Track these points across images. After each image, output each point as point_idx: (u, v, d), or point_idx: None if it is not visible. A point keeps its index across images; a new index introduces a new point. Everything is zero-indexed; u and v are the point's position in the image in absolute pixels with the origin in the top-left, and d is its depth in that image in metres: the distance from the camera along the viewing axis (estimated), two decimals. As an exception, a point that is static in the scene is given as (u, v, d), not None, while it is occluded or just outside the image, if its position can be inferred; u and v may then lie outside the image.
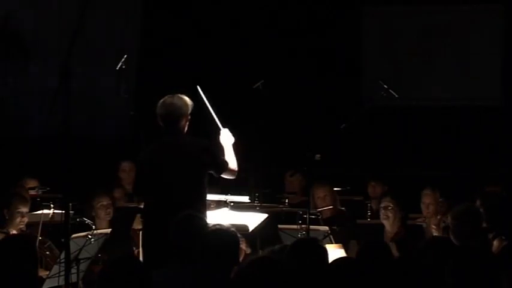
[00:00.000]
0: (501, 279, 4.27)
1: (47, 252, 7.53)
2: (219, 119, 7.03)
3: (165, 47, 13.94)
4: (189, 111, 6.73)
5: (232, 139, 6.92)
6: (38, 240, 7.28)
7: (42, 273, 7.05)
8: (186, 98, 6.76)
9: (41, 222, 7.59)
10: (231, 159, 6.81)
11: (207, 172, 6.67)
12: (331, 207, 8.56)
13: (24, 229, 7.54)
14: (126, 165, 9.44)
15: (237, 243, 5.47)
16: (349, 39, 13.83)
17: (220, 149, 6.85)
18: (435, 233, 6.81)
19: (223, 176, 6.79)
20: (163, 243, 6.12)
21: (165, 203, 6.54)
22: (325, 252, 5.23)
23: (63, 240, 5.93)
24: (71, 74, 4.94)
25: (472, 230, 6.00)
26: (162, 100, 6.76)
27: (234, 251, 5.36)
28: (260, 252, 6.92)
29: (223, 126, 7.01)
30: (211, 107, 7.03)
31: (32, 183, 9.22)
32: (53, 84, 13.37)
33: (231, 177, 6.83)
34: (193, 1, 13.86)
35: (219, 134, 6.93)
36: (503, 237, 6.20)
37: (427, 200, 8.21)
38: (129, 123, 13.96)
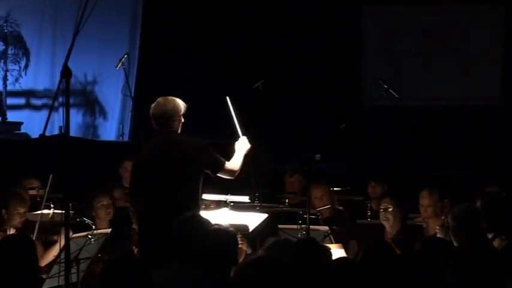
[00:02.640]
0: (501, 279, 4.27)
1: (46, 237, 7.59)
2: (240, 128, 7.15)
3: (166, 46, 13.94)
4: (182, 112, 6.79)
5: (248, 146, 7.01)
6: (35, 236, 7.28)
7: (48, 256, 7.22)
8: (179, 100, 6.82)
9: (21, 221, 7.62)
10: (235, 161, 6.85)
11: (203, 171, 6.69)
12: (328, 206, 8.54)
13: (20, 226, 7.52)
14: (128, 165, 9.38)
15: (236, 243, 5.47)
16: (349, 39, 13.83)
17: (226, 151, 6.90)
18: (439, 234, 6.78)
19: (219, 175, 6.80)
20: (159, 242, 6.14)
21: (161, 202, 6.55)
22: (326, 253, 5.24)
23: (60, 238, 5.93)
24: (71, 74, 4.93)
25: (472, 230, 5.99)
26: (155, 102, 6.82)
27: (233, 250, 5.36)
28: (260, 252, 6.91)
29: (243, 135, 7.11)
30: (236, 116, 7.15)
31: (34, 183, 9.21)
32: (53, 85, 13.43)
33: (228, 177, 6.85)
34: (194, 1, 13.86)
35: (237, 139, 7.03)
36: (503, 237, 6.19)
37: (425, 202, 8.18)
38: (129, 123, 13.98)
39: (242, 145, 7.02)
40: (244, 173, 7.16)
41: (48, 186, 7.41)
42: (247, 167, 7.04)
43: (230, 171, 6.81)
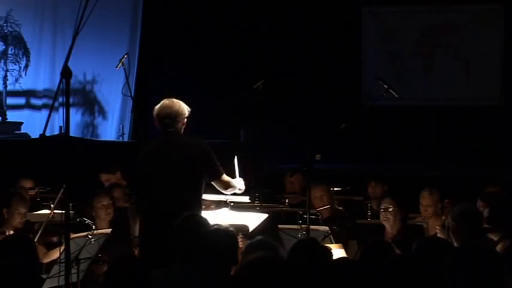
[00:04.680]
0: (501, 279, 4.26)
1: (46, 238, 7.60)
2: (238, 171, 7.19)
3: (166, 47, 13.94)
4: (186, 115, 6.80)
5: (242, 186, 7.02)
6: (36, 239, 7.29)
7: (51, 255, 7.27)
8: (183, 103, 6.84)
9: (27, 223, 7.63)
10: (231, 181, 6.89)
11: (203, 173, 6.70)
12: (328, 206, 8.54)
13: (21, 227, 7.53)
14: (104, 177, 9.35)
15: (236, 243, 5.48)
16: (350, 39, 13.84)
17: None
18: (440, 234, 6.78)
19: (214, 183, 6.81)
20: (161, 242, 6.15)
21: (163, 202, 6.56)
22: (327, 253, 5.24)
23: (63, 240, 5.93)
24: (71, 74, 4.93)
25: (472, 231, 5.99)
26: (160, 103, 6.83)
27: (233, 250, 5.37)
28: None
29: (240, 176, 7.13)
30: (239, 170, 7.17)
31: (28, 183, 9.22)
32: (53, 85, 13.43)
33: (221, 188, 6.87)
34: (194, 2, 13.86)
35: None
36: (507, 239, 6.18)
37: (425, 202, 8.19)
38: (129, 123, 13.98)
39: (238, 182, 7.02)
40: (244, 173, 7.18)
41: (59, 195, 7.43)
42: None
43: (225, 184, 6.84)
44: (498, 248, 6.02)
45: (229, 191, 6.93)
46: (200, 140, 6.83)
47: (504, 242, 6.15)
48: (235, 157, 7.24)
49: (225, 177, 6.83)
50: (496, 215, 6.44)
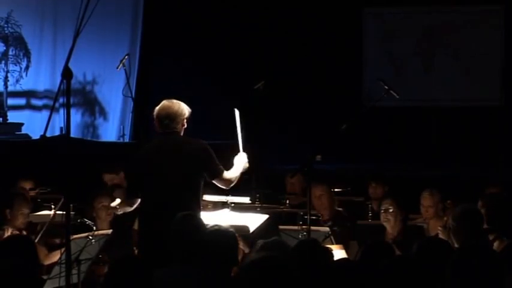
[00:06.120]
0: (501, 280, 4.27)
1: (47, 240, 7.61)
2: (242, 143, 7.10)
3: (166, 47, 13.95)
4: (186, 116, 6.78)
5: (246, 163, 6.97)
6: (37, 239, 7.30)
7: (52, 258, 7.30)
8: (184, 104, 6.82)
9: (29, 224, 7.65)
10: (233, 174, 6.84)
11: (203, 173, 6.70)
12: (329, 207, 8.54)
13: (23, 227, 7.54)
14: (108, 177, 9.36)
15: (236, 244, 5.48)
16: (350, 40, 13.84)
17: (225, 152, 6.91)
18: (441, 235, 6.78)
19: (215, 182, 6.80)
20: (159, 242, 6.15)
21: (162, 202, 6.56)
22: (328, 253, 5.24)
23: (64, 241, 5.93)
24: (71, 75, 4.93)
25: (473, 231, 5.99)
26: (160, 104, 6.81)
27: (233, 251, 5.37)
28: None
29: (244, 151, 7.07)
30: (241, 131, 7.12)
31: (28, 184, 9.23)
32: (54, 85, 13.43)
33: (223, 186, 6.86)
34: (195, 2, 13.86)
35: (236, 154, 6.99)
36: (504, 238, 6.19)
37: (426, 202, 8.19)
38: (130, 124, 13.98)
39: (241, 160, 6.97)
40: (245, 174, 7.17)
41: (57, 207, 7.45)
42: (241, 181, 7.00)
43: (226, 181, 6.82)
44: (495, 247, 6.03)
45: (230, 186, 6.90)
46: (198, 139, 6.82)
47: (500, 241, 6.16)
48: (236, 112, 7.12)
49: (226, 174, 6.80)
50: (493, 215, 6.44)
